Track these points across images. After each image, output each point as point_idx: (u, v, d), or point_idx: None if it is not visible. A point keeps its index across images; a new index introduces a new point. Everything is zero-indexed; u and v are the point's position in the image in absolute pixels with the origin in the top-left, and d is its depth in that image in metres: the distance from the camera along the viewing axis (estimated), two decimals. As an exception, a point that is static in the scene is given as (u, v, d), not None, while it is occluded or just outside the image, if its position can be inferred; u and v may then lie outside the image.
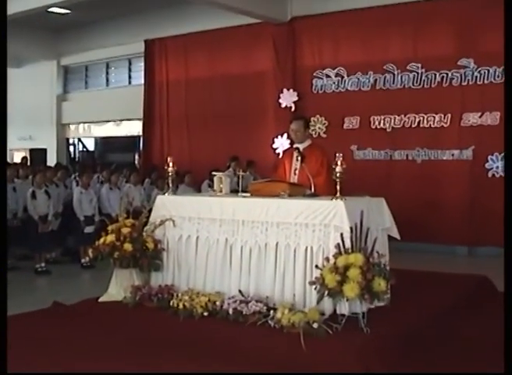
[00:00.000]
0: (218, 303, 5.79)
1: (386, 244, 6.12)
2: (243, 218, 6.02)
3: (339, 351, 4.80)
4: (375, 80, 12.26)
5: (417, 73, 11.79)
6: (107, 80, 18.34)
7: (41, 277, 9.74)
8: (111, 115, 17.53)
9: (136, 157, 16.83)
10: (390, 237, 6.24)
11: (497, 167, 10.92)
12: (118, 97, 17.15)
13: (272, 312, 5.42)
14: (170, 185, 6.85)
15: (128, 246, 6.38)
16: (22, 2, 12.20)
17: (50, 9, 13.45)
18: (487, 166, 11.08)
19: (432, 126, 11.68)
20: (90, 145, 19.61)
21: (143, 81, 16.11)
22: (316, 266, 5.38)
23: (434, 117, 11.67)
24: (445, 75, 11.50)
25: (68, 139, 19.37)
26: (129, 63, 17.62)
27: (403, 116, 11.96)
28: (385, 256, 5.51)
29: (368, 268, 5.02)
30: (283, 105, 13.33)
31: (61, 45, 18.15)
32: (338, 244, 5.24)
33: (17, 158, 18.15)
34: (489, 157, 11.03)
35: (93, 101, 17.93)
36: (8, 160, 17.32)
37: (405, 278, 5.90)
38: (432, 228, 11.54)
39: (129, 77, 17.70)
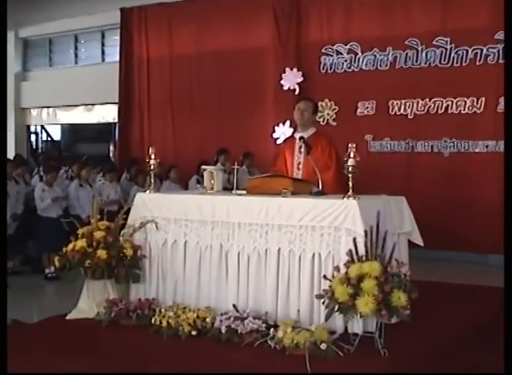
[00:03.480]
0: (208, 320, 5.84)
1: (407, 252, 6.19)
2: (239, 220, 6.08)
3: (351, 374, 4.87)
4: (395, 57, 12.31)
5: (445, 49, 11.85)
6: (75, 56, 18.35)
7: (-2, 291, 9.76)
8: (80, 98, 17.51)
9: (111, 148, 16.84)
10: (411, 244, 6.31)
11: (539, 161, 10.96)
12: (89, 76, 17.13)
13: (272, 330, 5.47)
14: (152, 181, 6.90)
15: (102, 253, 6.42)
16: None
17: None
18: (528, 159, 11.14)
19: (463, 112, 11.74)
20: (56, 134, 19.64)
21: (118, 58, 16.11)
22: (324, 277, 5.45)
23: (465, 101, 11.73)
24: (479, 51, 11.56)
25: (29, 126, 19.37)
26: (102, 36, 17.63)
27: (427, 100, 12.02)
28: (406, 265, 5.57)
29: (385, 279, 5.07)
30: (285, 88, 13.36)
31: (19, 13, 18.04)
32: (350, 251, 5.31)
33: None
34: (530, 149, 11.09)
35: (59, 81, 17.92)
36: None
37: (429, 291, 5.97)
38: (461, 233, 11.59)
39: (103, 53, 17.71)
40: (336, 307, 5.19)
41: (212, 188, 6.76)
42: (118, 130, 16.33)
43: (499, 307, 7.06)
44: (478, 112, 11.62)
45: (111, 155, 16.67)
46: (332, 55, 13.02)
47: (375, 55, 12.52)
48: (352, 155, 5.69)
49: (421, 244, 6.31)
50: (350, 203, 5.58)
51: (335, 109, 12.96)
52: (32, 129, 19.55)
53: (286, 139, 8.29)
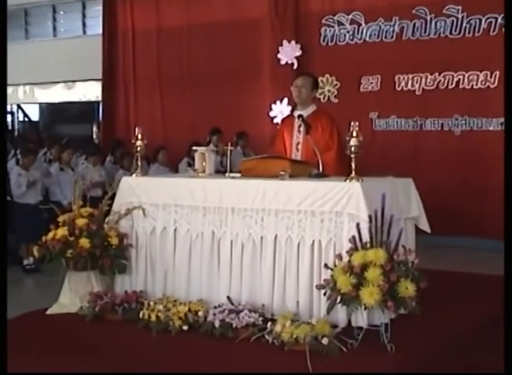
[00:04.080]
0: (201, 314, 5.85)
1: (413, 238, 6.21)
2: (233, 205, 6.08)
3: (356, 373, 4.88)
4: (402, 27, 12.29)
5: (457, 19, 11.84)
6: (54, 28, 18.34)
7: (-27, 284, 9.78)
8: (60, 74, 17.49)
9: (95, 129, 16.84)
10: (417, 230, 6.32)
11: (559, 140, 10.97)
12: (69, 50, 17.10)
13: (269, 324, 5.47)
14: (139, 164, 6.90)
15: (85, 242, 6.40)
16: None
17: None
18: (545, 138, 11.15)
19: (475, 87, 11.74)
20: (34, 114, 19.62)
21: (101, 30, 16.07)
22: (325, 266, 5.46)
23: (477, 76, 11.73)
24: (493, 20, 11.55)
25: (4, 106, 19.34)
26: (83, 7, 17.61)
27: (437, 74, 12.01)
28: (413, 253, 5.58)
29: (391, 267, 5.08)
30: (283, 62, 13.35)
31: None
32: (353, 238, 5.31)
33: None
34: (549, 127, 11.10)
35: (36, 55, 17.88)
36: None
37: (438, 281, 5.97)
38: (474, 218, 11.61)
39: (84, 25, 17.70)
40: (339, 298, 5.19)
41: (204, 171, 6.76)
42: (101, 109, 16.32)
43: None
44: (492, 86, 11.62)
45: (94, 136, 16.67)
46: (333, 26, 13.00)
47: (380, 26, 12.50)
48: (355, 134, 5.67)
49: (428, 230, 6.32)
50: (352, 186, 5.58)
51: (336, 85, 12.96)
52: (7, 108, 19.48)
53: (285, 118, 8.29)
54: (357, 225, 5.35)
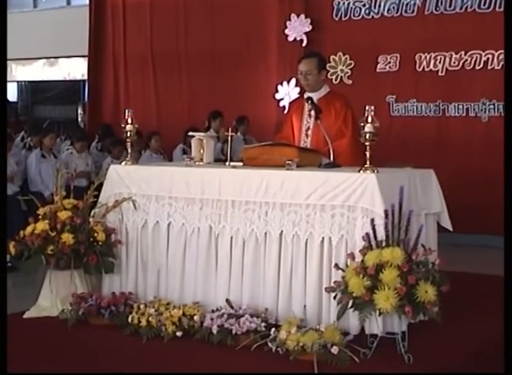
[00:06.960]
0: (196, 318, 5.88)
1: (435, 236, 6.20)
2: (234, 197, 6.10)
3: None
4: (424, 0, 12.25)
5: (486, -9, 11.81)
6: (35, -3, 18.33)
7: None
8: (41, 50, 17.44)
9: (80, 111, 16.82)
10: (440, 227, 6.32)
11: None
12: (51, 23, 17.06)
13: (273, 330, 5.50)
14: (129, 151, 6.91)
15: (68, 237, 6.41)
16: None
17: None
18: None
19: (505, 68, 11.72)
20: (12, 94, 19.58)
21: (88, 1, 16.04)
22: (336, 266, 5.47)
23: (508, 55, 11.69)
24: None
25: (-21, 85, 19.37)
26: (68, -26, 17.61)
27: (462, 53, 11.96)
28: (434, 253, 5.58)
29: (409, 268, 5.09)
30: (291, 38, 13.31)
31: None
32: (367, 235, 5.33)
33: None
34: None
35: (14, 29, 17.74)
36: None
37: (462, 284, 5.98)
38: (502, 215, 11.58)
39: (68, -5, 17.69)
40: (350, 302, 5.22)
41: (202, 159, 6.77)
42: (87, 89, 16.30)
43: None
44: (525, 67, 11.58)
45: (79, 119, 16.65)
46: (347, -1, 12.98)
47: (400, -1, 12.48)
48: (370, 119, 5.67)
49: (450, 228, 6.32)
50: (367, 177, 5.59)
51: (350, 65, 12.91)
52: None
53: (294, 100, 8.28)
54: (372, 221, 5.35)
